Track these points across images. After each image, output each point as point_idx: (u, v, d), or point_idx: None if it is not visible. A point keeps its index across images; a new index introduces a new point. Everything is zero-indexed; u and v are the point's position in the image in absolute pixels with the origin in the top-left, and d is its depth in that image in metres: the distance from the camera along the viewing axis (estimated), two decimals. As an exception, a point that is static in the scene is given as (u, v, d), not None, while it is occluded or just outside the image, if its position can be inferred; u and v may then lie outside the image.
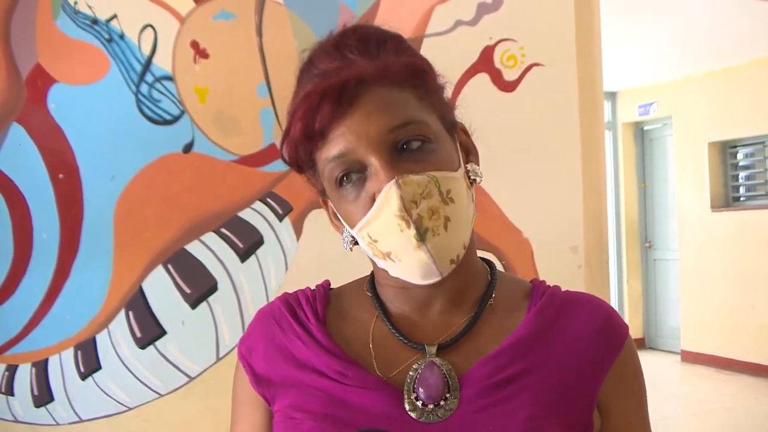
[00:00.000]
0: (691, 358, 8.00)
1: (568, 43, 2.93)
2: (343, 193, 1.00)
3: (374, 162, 0.96)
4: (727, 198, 7.88)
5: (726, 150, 7.86)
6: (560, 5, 2.93)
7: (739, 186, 7.88)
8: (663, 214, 8.66)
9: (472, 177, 1.04)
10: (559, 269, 2.80)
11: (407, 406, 0.98)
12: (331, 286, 1.17)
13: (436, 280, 0.98)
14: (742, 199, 7.86)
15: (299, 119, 0.99)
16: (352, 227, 1.01)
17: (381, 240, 0.97)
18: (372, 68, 0.99)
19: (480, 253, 1.13)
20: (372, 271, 1.12)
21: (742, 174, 7.85)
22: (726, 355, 7.64)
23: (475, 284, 1.07)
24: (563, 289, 1.10)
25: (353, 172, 0.98)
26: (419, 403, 0.98)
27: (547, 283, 1.11)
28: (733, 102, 7.46)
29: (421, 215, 0.94)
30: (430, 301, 1.05)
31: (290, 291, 1.15)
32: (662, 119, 8.45)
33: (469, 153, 1.08)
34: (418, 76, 1.02)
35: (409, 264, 0.97)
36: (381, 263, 1.01)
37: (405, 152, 0.97)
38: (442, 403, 0.98)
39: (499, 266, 1.16)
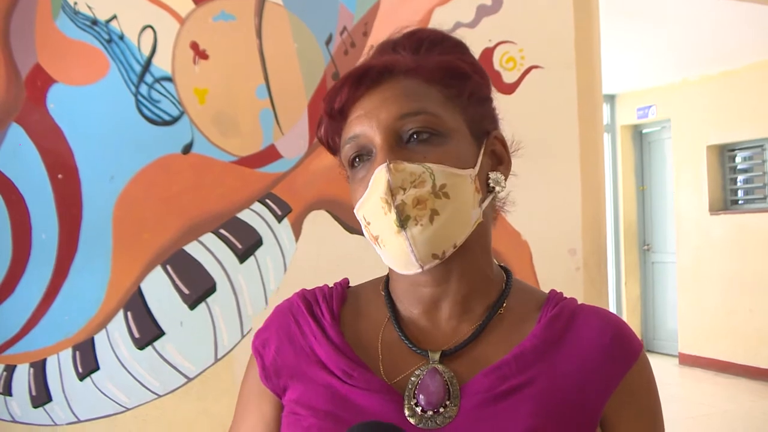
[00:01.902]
0: (688, 361, 7.99)
1: (567, 46, 2.94)
2: (354, 173, 1.03)
3: (378, 144, 0.98)
4: (726, 201, 7.87)
5: (724, 153, 7.86)
6: (560, 8, 2.94)
7: (737, 189, 7.87)
8: (661, 217, 8.65)
9: (492, 185, 1.05)
10: (557, 272, 2.80)
11: (407, 412, 0.98)
12: (351, 285, 1.18)
13: (416, 272, 0.98)
14: (740, 202, 7.85)
15: (324, 100, 1.04)
16: (354, 207, 1.03)
17: (372, 223, 0.99)
18: (407, 61, 1.03)
19: None
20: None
21: (740, 177, 7.84)
22: (724, 358, 7.63)
23: (486, 291, 1.06)
24: (579, 302, 1.09)
25: (364, 154, 1.01)
26: (419, 409, 0.98)
27: (564, 296, 1.10)
28: (731, 105, 7.46)
29: (405, 202, 0.95)
30: (437, 304, 1.05)
31: (288, 292, 1.15)
32: (661, 122, 8.44)
33: (501, 163, 1.09)
34: (454, 77, 1.03)
35: (391, 250, 0.98)
36: (375, 249, 1.02)
37: (412, 142, 0.99)
38: (441, 410, 0.97)
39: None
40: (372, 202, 0.97)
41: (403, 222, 0.95)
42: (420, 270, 0.98)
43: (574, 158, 2.93)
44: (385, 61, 1.02)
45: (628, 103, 8.64)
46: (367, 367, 1.02)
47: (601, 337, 1.02)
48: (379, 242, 0.99)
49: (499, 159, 1.09)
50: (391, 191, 0.95)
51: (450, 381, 0.99)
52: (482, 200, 1.03)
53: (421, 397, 0.98)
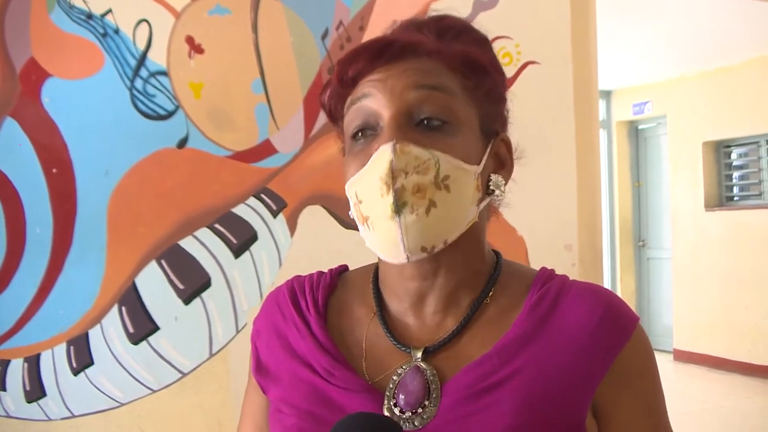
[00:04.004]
0: (683, 357, 8.01)
1: (563, 42, 2.93)
2: (353, 145, 0.98)
3: (386, 118, 0.94)
4: (721, 197, 7.88)
5: (720, 149, 7.87)
6: (556, 3, 2.93)
7: (732, 186, 7.88)
8: (657, 213, 8.66)
9: (491, 187, 1.01)
10: (552, 267, 2.79)
11: (386, 413, 0.95)
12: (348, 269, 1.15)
13: (401, 261, 0.94)
14: (735, 198, 7.87)
15: (338, 64, 0.99)
16: (347, 181, 0.98)
17: (365, 201, 0.94)
18: (431, 43, 0.98)
19: None
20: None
21: (735, 174, 7.86)
22: (718, 355, 7.65)
23: (473, 284, 1.02)
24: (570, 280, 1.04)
25: (368, 128, 0.96)
26: (397, 410, 0.95)
27: (555, 273, 1.06)
28: (727, 102, 7.47)
29: (405, 186, 0.90)
30: (424, 299, 1.01)
31: (273, 289, 1.14)
32: (657, 118, 8.45)
33: (503, 167, 1.05)
34: (474, 69, 0.99)
35: (380, 234, 0.93)
36: (362, 231, 0.97)
37: (422, 126, 0.94)
38: (420, 410, 0.94)
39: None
40: (369, 181, 0.93)
41: (399, 207, 0.90)
42: (406, 260, 0.93)
43: (570, 154, 2.93)
44: (409, 38, 0.97)
45: (624, 99, 8.65)
46: (349, 366, 1.00)
47: (590, 317, 0.97)
48: (368, 224, 0.94)
49: (502, 162, 1.05)
50: (393, 173, 0.90)
51: (431, 379, 0.96)
52: (480, 200, 0.99)
53: (400, 396, 0.95)
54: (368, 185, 0.93)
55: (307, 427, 0.97)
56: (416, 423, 0.94)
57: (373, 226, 0.94)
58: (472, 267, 1.03)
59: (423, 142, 0.93)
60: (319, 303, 1.07)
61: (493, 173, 1.02)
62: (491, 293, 1.03)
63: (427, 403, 0.95)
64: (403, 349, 1.00)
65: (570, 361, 0.95)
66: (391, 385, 0.97)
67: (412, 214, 0.91)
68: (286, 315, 1.07)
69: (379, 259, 1.04)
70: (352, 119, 0.98)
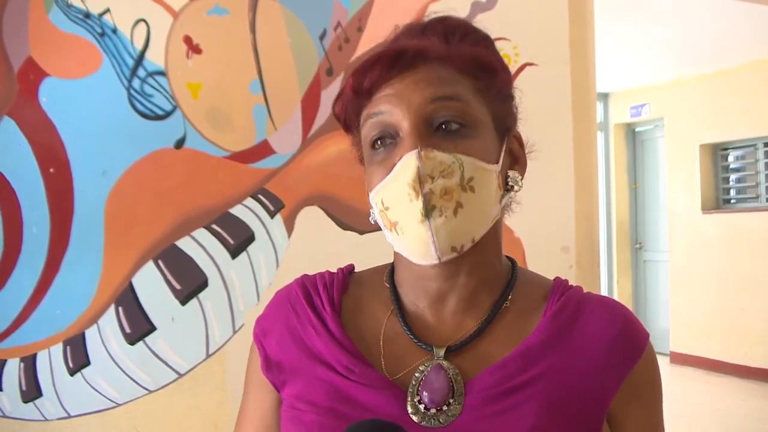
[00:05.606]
0: (680, 359, 8.02)
1: (561, 44, 2.94)
2: (373, 155, 1.01)
3: (406, 128, 0.96)
4: (718, 200, 7.90)
5: (717, 152, 7.88)
6: (554, 5, 2.94)
7: (729, 188, 7.90)
8: (654, 215, 8.67)
9: (510, 183, 1.04)
10: (550, 269, 2.78)
11: (410, 409, 0.97)
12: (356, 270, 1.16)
13: (432, 263, 0.97)
14: (732, 201, 7.88)
15: (352, 75, 1.01)
16: (371, 190, 1.01)
17: (391, 208, 0.97)
18: (440, 48, 1.01)
19: None
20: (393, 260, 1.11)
21: (732, 176, 7.87)
22: (715, 357, 7.65)
23: (493, 286, 1.05)
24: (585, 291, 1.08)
25: (387, 137, 0.99)
26: (422, 407, 0.96)
27: (570, 284, 1.09)
28: (724, 104, 7.48)
29: (432, 191, 0.93)
30: (444, 299, 1.03)
31: (281, 288, 1.13)
32: (654, 121, 8.46)
33: (517, 163, 1.08)
34: (484, 70, 1.02)
35: (410, 238, 0.96)
36: (389, 236, 1.00)
37: (441, 131, 0.97)
38: (444, 408, 0.96)
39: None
40: (396, 188, 0.96)
41: (428, 211, 0.93)
42: (437, 261, 0.97)
43: (567, 156, 2.93)
44: (420, 45, 1.00)
45: (622, 101, 8.66)
46: (368, 363, 1.01)
47: (609, 331, 1.02)
48: (397, 229, 0.97)
49: (516, 158, 1.08)
50: (420, 179, 0.93)
51: (454, 378, 0.98)
52: (502, 197, 1.03)
53: (424, 394, 0.97)
54: (395, 192, 0.96)
55: (328, 423, 0.98)
56: (441, 420, 0.96)
57: (403, 231, 0.97)
58: (492, 266, 1.06)
59: (445, 146, 0.96)
60: (334, 300, 1.08)
61: (509, 170, 1.05)
62: (510, 297, 1.05)
63: (452, 401, 0.97)
64: (423, 346, 1.01)
65: (589, 370, 0.99)
66: (413, 382, 0.99)
67: (441, 216, 0.94)
68: (300, 313, 1.07)
69: (395, 259, 1.07)
70: (370, 131, 1.00)
